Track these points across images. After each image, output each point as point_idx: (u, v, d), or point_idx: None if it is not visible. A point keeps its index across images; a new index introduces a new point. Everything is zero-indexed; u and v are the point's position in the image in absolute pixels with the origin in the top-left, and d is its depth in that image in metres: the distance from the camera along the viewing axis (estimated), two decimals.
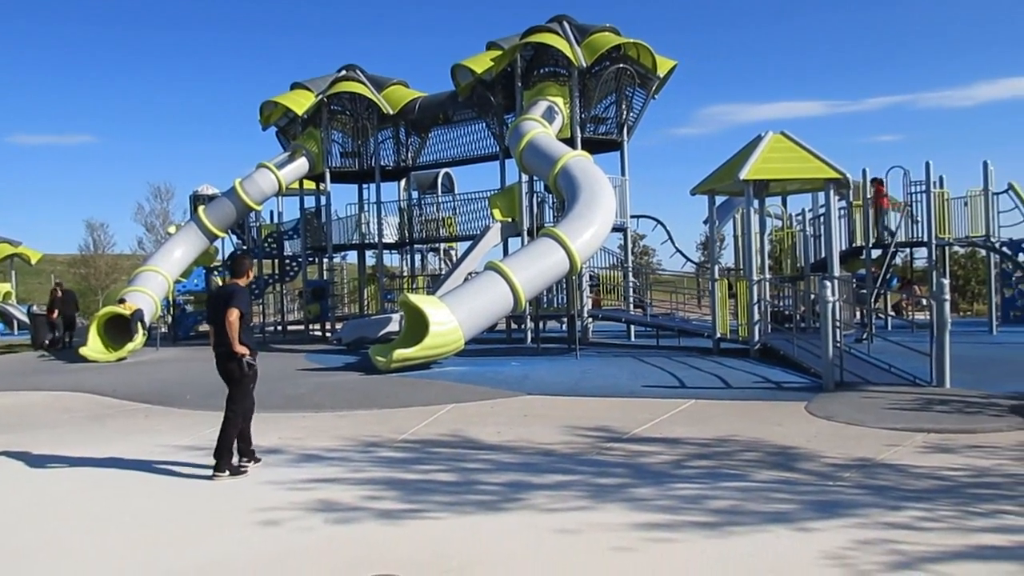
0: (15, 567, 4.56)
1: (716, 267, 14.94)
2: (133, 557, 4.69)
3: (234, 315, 6.88)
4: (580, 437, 7.95)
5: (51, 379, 14.00)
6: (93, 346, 17.03)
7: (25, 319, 28.03)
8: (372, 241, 22.33)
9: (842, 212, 18.47)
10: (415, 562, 4.38)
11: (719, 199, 17.67)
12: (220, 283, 24.96)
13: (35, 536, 5.16)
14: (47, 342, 20.89)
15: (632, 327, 18.52)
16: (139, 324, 17.40)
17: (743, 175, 12.85)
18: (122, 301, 17.98)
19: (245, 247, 24.05)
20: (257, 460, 7.19)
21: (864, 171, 18.07)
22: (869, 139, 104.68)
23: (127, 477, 6.87)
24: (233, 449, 6.98)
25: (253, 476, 6.76)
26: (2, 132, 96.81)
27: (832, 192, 13.47)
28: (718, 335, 14.11)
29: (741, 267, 16.38)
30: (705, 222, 18.60)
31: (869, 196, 17.83)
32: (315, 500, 5.79)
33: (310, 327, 23.79)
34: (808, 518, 4.99)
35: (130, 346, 17.11)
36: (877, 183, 17.83)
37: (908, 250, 20.47)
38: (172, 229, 23.37)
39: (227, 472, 6.81)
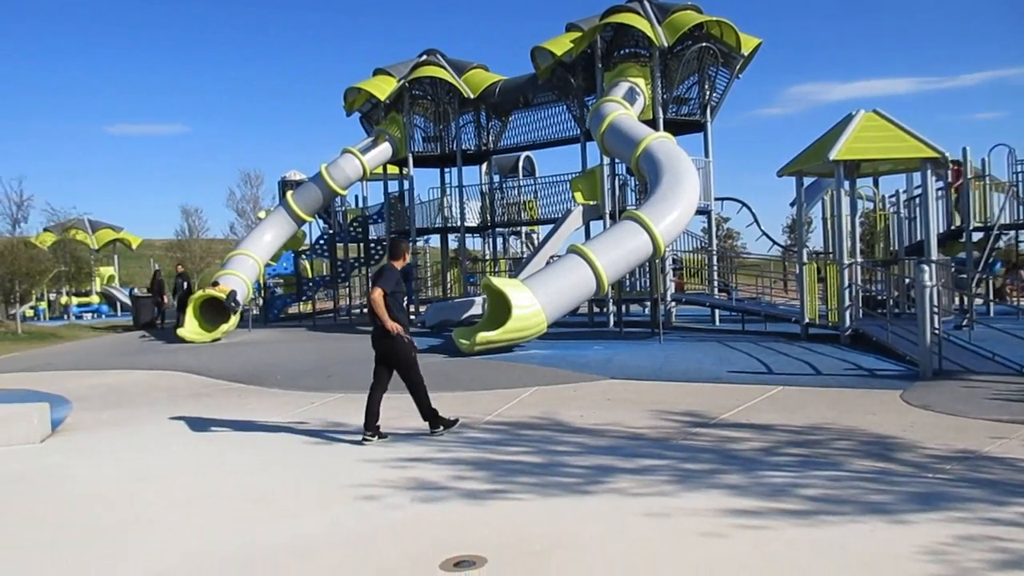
0: (111, 540, 4.78)
1: (804, 250, 14.49)
2: (227, 531, 4.86)
3: (376, 293, 7.33)
4: (665, 421, 7.86)
5: (151, 359, 14.68)
6: (190, 327, 17.78)
7: (128, 301, 29.44)
8: (454, 225, 22.52)
9: (940, 193, 17.63)
10: (498, 544, 4.40)
11: (807, 180, 17.13)
12: (307, 266, 25.69)
13: (133, 510, 5.41)
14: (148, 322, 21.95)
15: (717, 312, 18.17)
16: (233, 304, 18.05)
17: (833, 155, 12.39)
18: (215, 284, 18.68)
19: (331, 231, 24.64)
20: (383, 436, 7.49)
21: (964, 150, 17.19)
22: (967, 117, 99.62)
23: (220, 453, 7.15)
24: (434, 410, 7.59)
25: (345, 454, 6.94)
26: (103, 122, 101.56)
27: (929, 172, 12.87)
28: (807, 320, 13.70)
29: (830, 250, 15.84)
30: (792, 204, 18.08)
31: (949, 180, 16.99)
32: (404, 479, 5.90)
33: None
34: (906, 510, 4.80)
35: (224, 327, 17.78)
36: (955, 165, 16.95)
37: (1013, 233, 19.40)
38: (262, 214, 24.18)
39: (441, 427, 7.59)
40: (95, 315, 32.94)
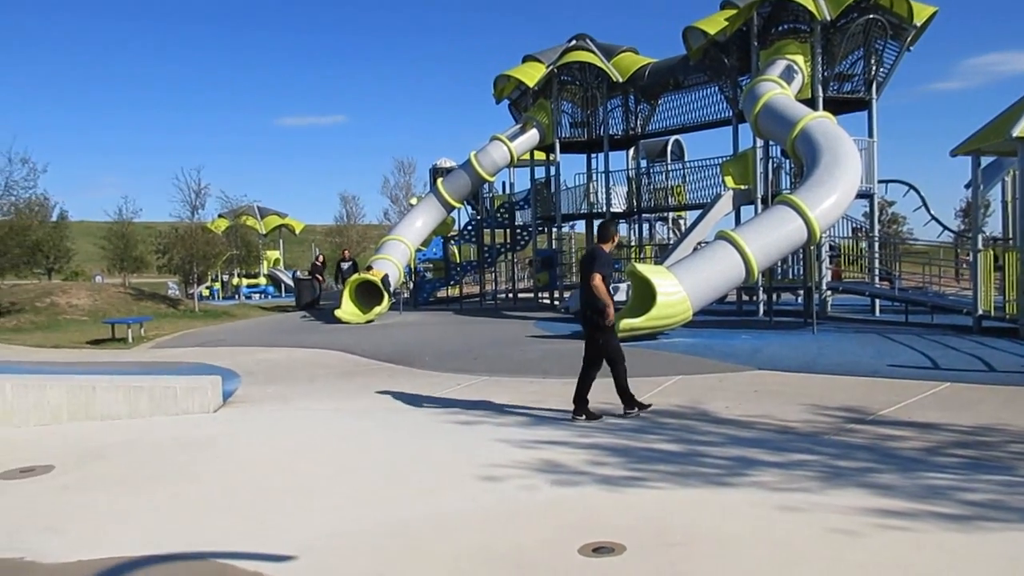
0: (261, 508, 5.10)
1: (980, 236, 13.37)
2: (369, 505, 5.08)
3: (597, 279, 7.51)
4: (816, 416, 7.51)
5: (311, 337, 15.58)
6: (347, 309, 18.70)
7: (291, 283, 31.35)
8: (600, 210, 22.41)
9: None
10: (636, 532, 4.36)
11: (985, 160, 15.77)
12: (456, 251, 26.35)
13: (284, 480, 5.74)
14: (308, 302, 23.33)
15: (877, 302, 17.13)
16: (385, 287, 18.86)
17: (1017, 132, 11.33)
18: (369, 268, 19.55)
19: (479, 217, 25.17)
20: (596, 416, 7.67)
21: None
22: None
23: (370, 429, 7.49)
24: (630, 391, 7.75)
25: (486, 434, 7.09)
26: (271, 115, 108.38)
27: None
28: (980, 312, 12.65)
29: (1011, 236, 14.54)
30: (967, 186, 16.72)
31: None
32: (541, 461, 5.96)
33: (539, 295, 24.45)
34: None
35: (377, 309, 18.59)
36: None
37: None
38: (414, 200, 25.03)
39: (636, 409, 7.72)
40: (262, 296, 35.30)
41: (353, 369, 11.60)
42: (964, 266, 17.50)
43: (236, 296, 33.73)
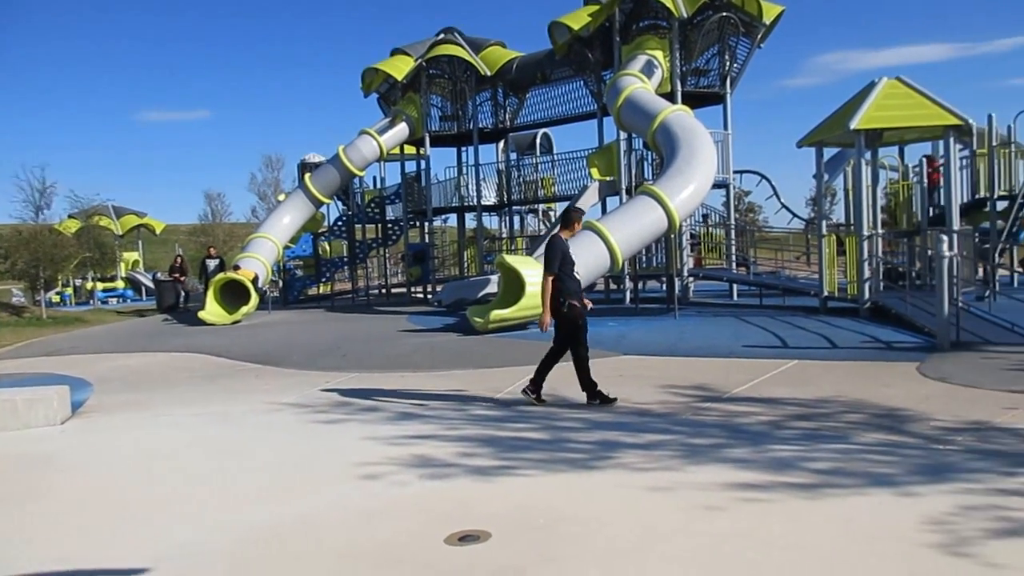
0: (113, 522, 4.84)
1: (824, 223, 14.31)
2: (233, 510, 4.92)
3: (547, 282, 7.74)
4: (675, 397, 7.83)
5: (172, 341, 14.88)
6: (211, 310, 17.96)
7: (151, 285, 29.83)
8: (471, 204, 22.50)
9: (964, 162, 17.31)
10: (505, 519, 4.42)
11: (830, 151, 16.88)
12: (326, 247, 25.78)
13: (147, 490, 5.47)
14: (172, 305, 22.23)
15: (735, 286, 18.04)
16: (255, 287, 18.25)
17: (854, 124, 12.19)
18: (237, 267, 18.85)
19: (349, 213, 24.73)
20: (543, 402, 7.83)
21: (990, 116, 16.83)
22: (999, 83, 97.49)
23: (233, 433, 7.24)
24: (594, 380, 7.78)
25: (355, 432, 6.99)
26: (129, 110, 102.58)
27: (952, 140, 12.63)
28: (825, 294, 13.56)
29: (851, 222, 15.63)
30: (814, 176, 17.84)
31: (929, 170, 16.72)
32: (411, 456, 5.93)
33: (412, 289, 24.32)
34: (913, 482, 4.74)
35: (244, 309, 17.96)
36: (930, 160, 16.71)
37: None
38: (281, 197, 24.32)
39: (598, 400, 7.71)
40: (120, 300, 33.42)
41: (217, 372, 11.17)
42: (812, 251, 18.66)
43: (91, 301, 31.75)
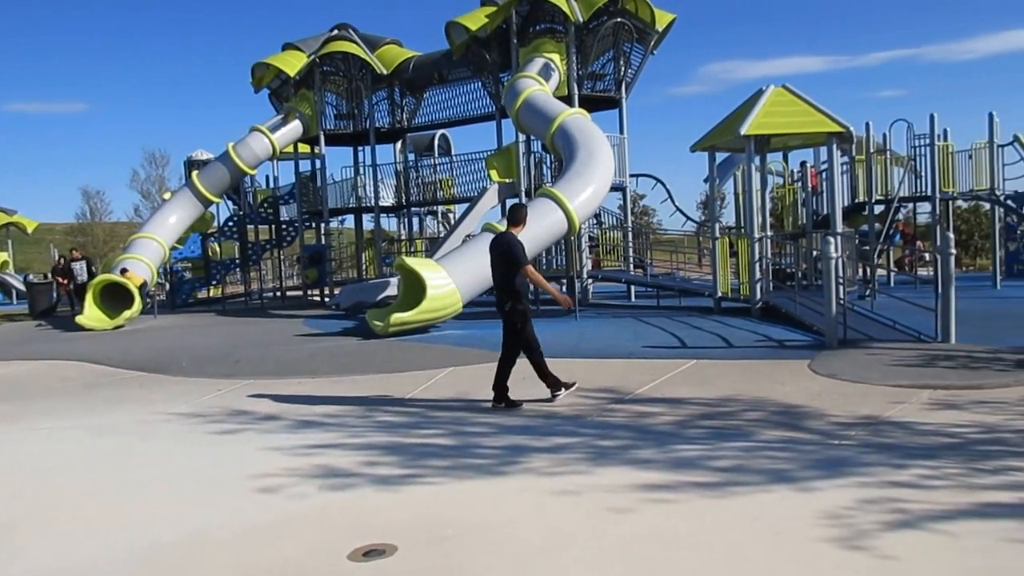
0: None
1: (716, 225, 14.74)
2: (120, 529, 4.58)
3: (530, 270, 7.70)
4: (581, 399, 7.83)
5: (47, 348, 13.91)
6: (90, 314, 16.93)
7: (23, 288, 27.91)
8: (369, 204, 22.07)
9: (844, 167, 18.22)
10: (409, 530, 4.26)
11: (720, 156, 17.41)
12: (216, 248, 24.76)
13: (19, 509, 5.05)
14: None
15: (632, 288, 18.37)
16: (142, 292, 17.32)
17: (744, 130, 12.59)
18: (124, 271, 17.80)
19: (241, 213, 23.84)
20: (517, 404, 7.65)
21: (867, 125, 17.80)
22: (873, 94, 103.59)
23: (117, 446, 6.77)
24: (548, 371, 7.75)
25: (251, 442, 6.66)
26: None
27: (835, 146, 13.23)
28: (719, 294, 13.96)
29: (742, 225, 16.18)
30: (706, 180, 18.37)
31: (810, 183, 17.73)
32: (311, 466, 5.69)
33: (308, 292, 23.66)
34: (811, 477, 4.87)
35: (127, 314, 17.01)
36: (811, 168, 17.79)
37: (911, 205, 20.23)
38: (167, 195, 23.13)
39: (563, 390, 7.74)
40: None
41: (97, 380, 10.48)
42: (706, 253, 19.22)
43: None
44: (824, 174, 15.63)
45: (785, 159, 20.67)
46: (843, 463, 5.19)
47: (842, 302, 10.21)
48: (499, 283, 7.82)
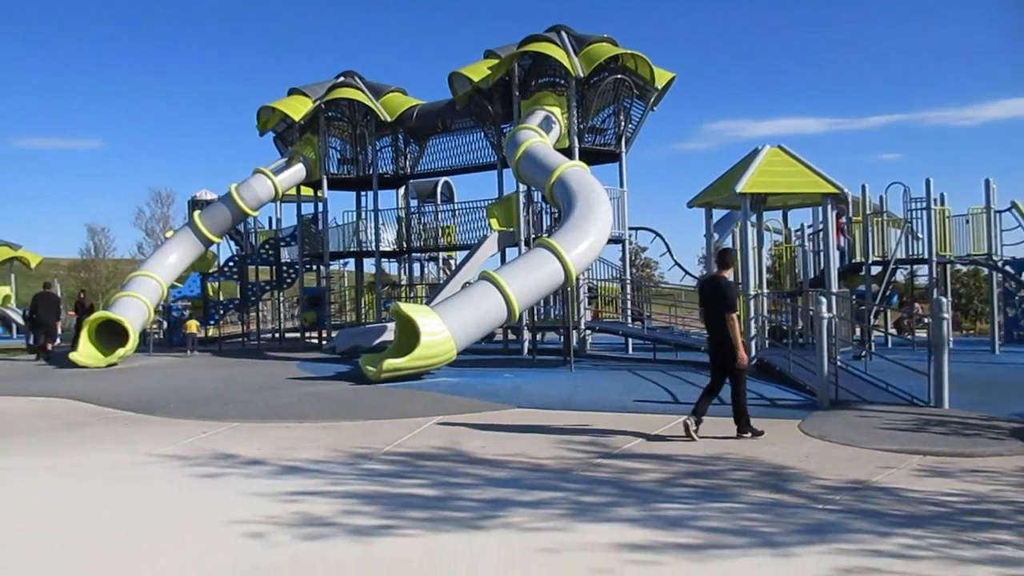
0: None
1: None
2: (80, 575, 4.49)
3: (734, 320, 7.93)
4: (568, 452, 7.75)
5: (38, 384, 13.84)
6: (83, 351, 16.88)
7: (22, 323, 27.93)
8: (370, 249, 22.18)
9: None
10: None
11: (720, 213, 17.53)
12: (216, 288, 24.78)
13: None
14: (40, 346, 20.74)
15: (630, 340, 18.32)
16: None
17: (739, 188, 12.70)
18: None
19: (242, 253, 23.95)
20: (759, 432, 8.04)
21: (864, 187, 17.91)
22: (871, 157, 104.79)
23: (94, 488, 6.69)
24: (746, 412, 8.07)
25: (231, 487, 6.57)
26: (8, 135, 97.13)
27: (830, 207, 13.31)
28: None
29: (740, 282, 16.20)
30: (705, 235, 18.46)
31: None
32: (289, 513, 5.59)
33: (306, 335, 23.62)
34: (793, 543, 4.78)
35: (120, 352, 16.95)
36: (837, 216, 17.92)
37: (909, 267, 20.26)
38: (169, 234, 23.27)
39: (750, 433, 7.98)
40: None
41: (83, 419, 10.39)
42: None
43: None
44: (821, 234, 15.70)
45: (784, 217, 20.77)
46: (826, 528, 5.10)
47: (835, 362, 10.16)
48: (712, 321, 8.18)
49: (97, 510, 5.91)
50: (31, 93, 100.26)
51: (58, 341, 20.80)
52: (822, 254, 16.26)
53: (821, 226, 15.00)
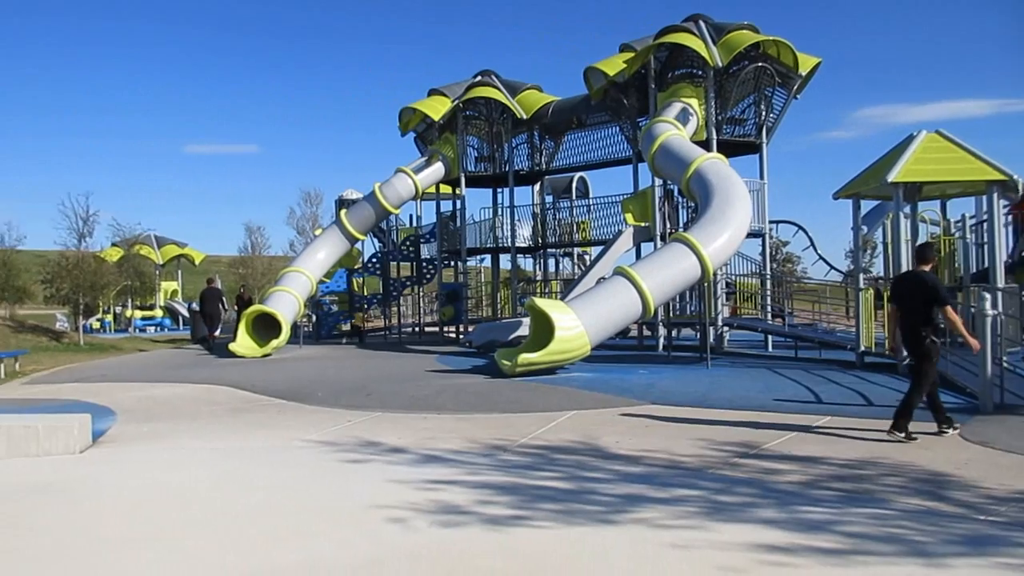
0: (116, 557, 4.74)
1: (861, 275, 13.99)
2: (238, 551, 4.79)
3: (950, 312, 7.91)
4: (705, 450, 7.59)
5: (201, 372, 14.94)
6: (242, 342, 18.05)
7: (187, 315, 30.21)
8: (506, 245, 22.50)
9: (1008, 219, 16.90)
10: (511, 574, 4.24)
11: (870, 204, 16.60)
12: (361, 283, 25.84)
13: (142, 528, 5.34)
14: (207, 336, 22.39)
15: (770, 337, 17.68)
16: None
17: (891, 177, 11.95)
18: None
19: (384, 250, 24.87)
20: (956, 427, 7.91)
21: None
22: None
23: (250, 470, 7.15)
24: (911, 415, 7.76)
25: (373, 473, 6.86)
26: (178, 142, 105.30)
27: (996, 196, 12.32)
28: (862, 348, 13.19)
29: (890, 276, 15.28)
30: (853, 228, 17.53)
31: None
32: (428, 501, 5.78)
33: (444, 329, 24.28)
34: (948, 553, 4.47)
35: (274, 343, 18.00)
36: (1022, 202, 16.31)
37: None
38: (317, 232, 24.52)
39: (903, 434, 7.65)
40: (158, 328, 33.88)
41: (241, 405, 11.14)
42: (851, 304, 18.24)
43: (129, 329, 32.22)
44: (984, 225, 14.57)
45: (943, 208, 19.39)
46: (987, 541, 4.75)
47: (1000, 363, 9.42)
48: (910, 318, 8.03)
49: (254, 492, 6.32)
50: (198, 102, 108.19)
51: (219, 332, 22.34)
52: (986, 246, 15.06)
53: (985, 216, 13.90)
